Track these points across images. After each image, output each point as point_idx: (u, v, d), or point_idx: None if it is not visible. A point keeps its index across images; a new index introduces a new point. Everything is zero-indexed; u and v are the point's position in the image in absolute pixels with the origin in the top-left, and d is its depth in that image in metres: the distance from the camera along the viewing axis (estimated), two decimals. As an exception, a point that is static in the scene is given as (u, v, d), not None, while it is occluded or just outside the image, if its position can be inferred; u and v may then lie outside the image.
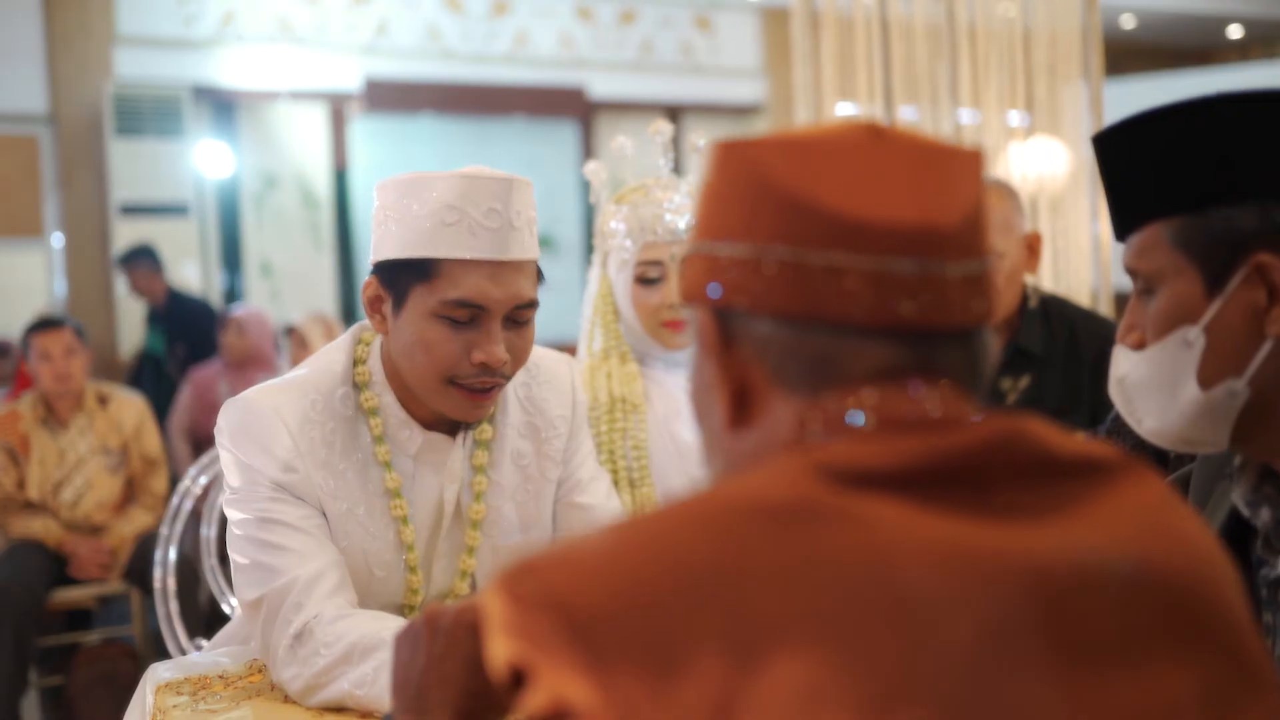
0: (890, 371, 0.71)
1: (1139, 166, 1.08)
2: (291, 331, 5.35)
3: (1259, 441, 1.08)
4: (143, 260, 6.01)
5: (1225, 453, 1.15)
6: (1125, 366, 1.13)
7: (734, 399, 0.76)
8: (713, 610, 0.61)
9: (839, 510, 0.65)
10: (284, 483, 1.48)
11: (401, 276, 1.47)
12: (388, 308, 1.50)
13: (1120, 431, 1.90)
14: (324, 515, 1.51)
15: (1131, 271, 1.11)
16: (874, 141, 0.72)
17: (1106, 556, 0.67)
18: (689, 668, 0.60)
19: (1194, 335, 1.06)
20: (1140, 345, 1.11)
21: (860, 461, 0.67)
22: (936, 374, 0.72)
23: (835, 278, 0.71)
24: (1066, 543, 0.67)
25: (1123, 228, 1.11)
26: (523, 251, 1.48)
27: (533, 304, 1.50)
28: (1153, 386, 1.10)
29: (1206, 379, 1.06)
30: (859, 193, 0.71)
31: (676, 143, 2.02)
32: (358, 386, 1.56)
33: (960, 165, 0.74)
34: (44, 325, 4.07)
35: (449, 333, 1.45)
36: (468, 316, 1.45)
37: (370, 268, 1.53)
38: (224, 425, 1.51)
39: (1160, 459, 1.84)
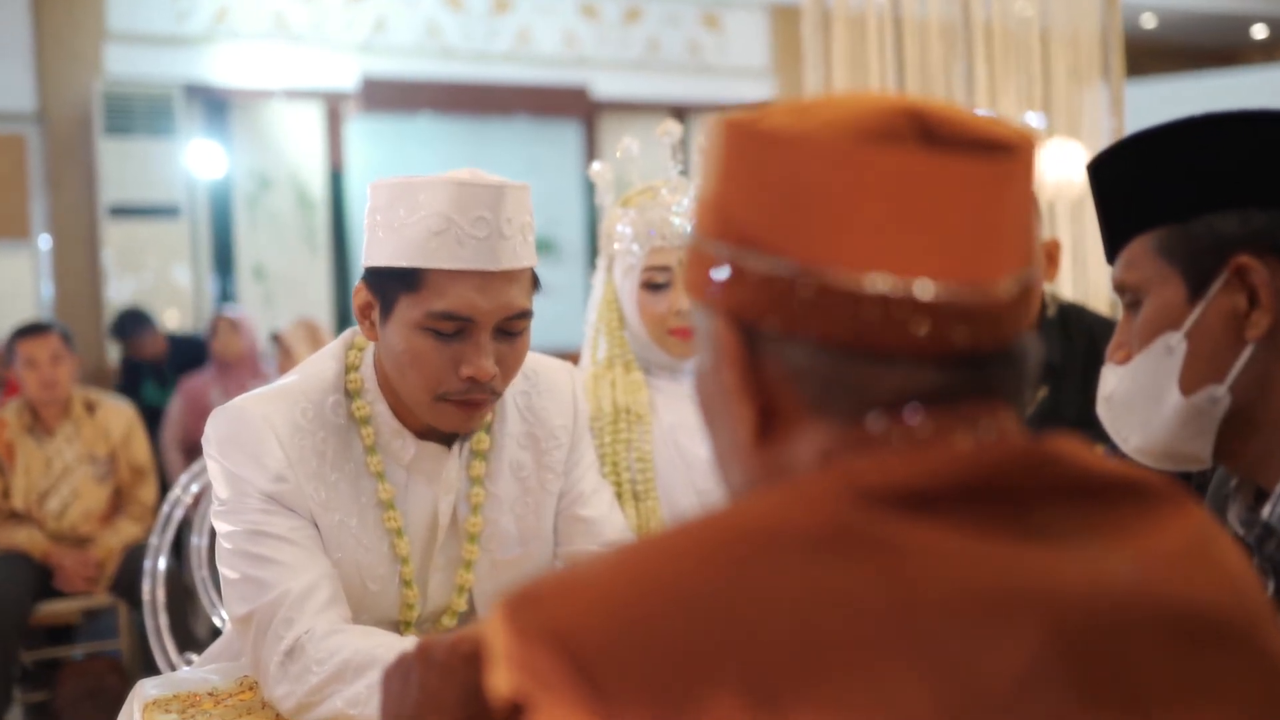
0: (938, 395, 0.68)
1: (1127, 184, 1.15)
2: (276, 339, 5.36)
3: (1242, 454, 1.12)
4: (143, 326, 5.90)
5: (1225, 475, 1.18)
6: (1112, 382, 1.18)
7: (759, 417, 0.71)
8: (729, 649, 0.59)
9: (869, 538, 0.62)
10: (274, 493, 1.47)
11: (389, 285, 1.46)
12: (376, 315, 1.50)
13: None
14: (316, 527, 1.50)
15: (1119, 287, 1.17)
16: (923, 151, 0.67)
17: (1151, 590, 0.65)
18: (703, 710, 0.58)
19: (1176, 341, 1.11)
20: (1127, 361, 1.16)
21: (895, 480, 0.64)
22: (989, 395, 0.69)
23: (883, 307, 0.66)
24: (1110, 574, 0.65)
25: (1112, 246, 1.18)
26: (514, 260, 1.45)
27: (525, 314, 1.48)
28: (1137, 398, 1.14)
29: (1188, 385, 1.10)
30: (907, 250, 0.66)
31: (684, 144, 2.01)
32: (350, 394, 1.55)
33: (1019, 168, 0.69)
34: (30, 330, 4.06)
35: (436, 345, 1.44)
36: (454, 329, 1.44)
37: (362, 272, 1.52)
38: (212, 434, 1.51)
39: (1184, 474, 1.83)
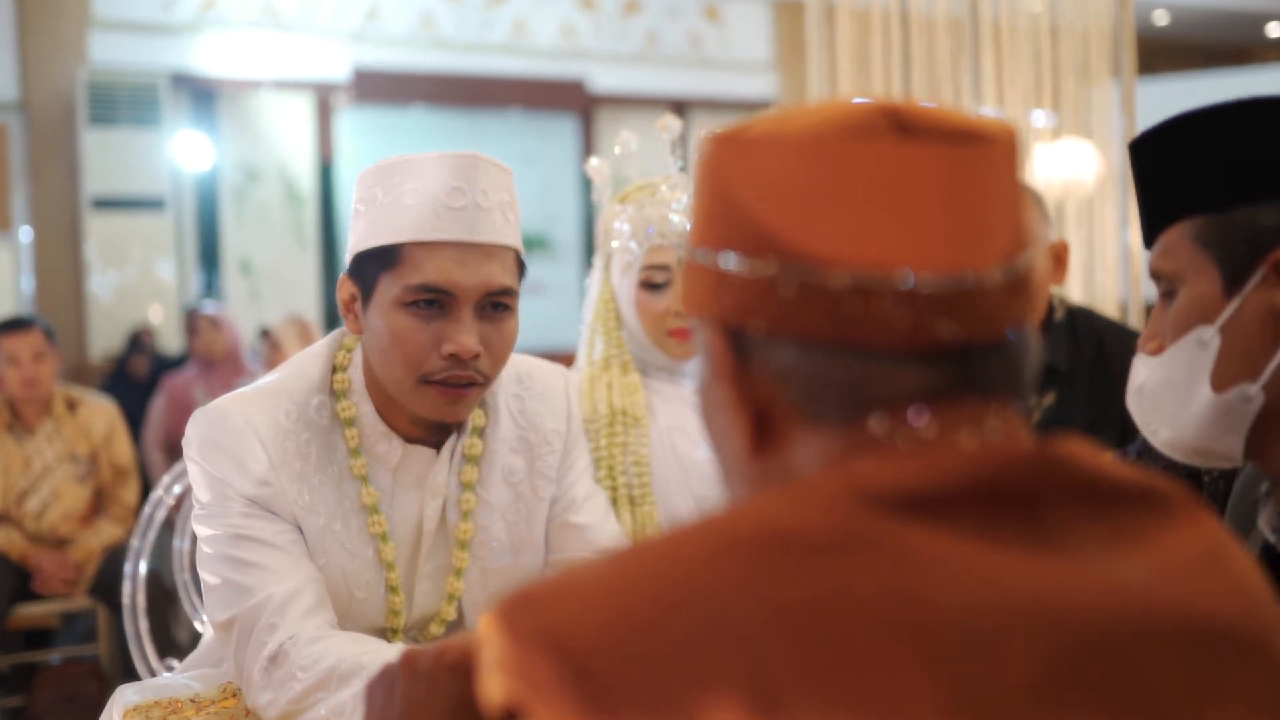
0: (933, 394, 0.68)
1: (1168, 168, 1.14)
2: (266, 334, 5.35)
3: (1274, 456, 1.11)
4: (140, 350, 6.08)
5: (1253, 477, 1.17)
6: (1143, 374, 1.17)
7: (754, 426, 0.72)
8: (730, 653, 0.59)
9: (875, 541, 0.62)
10: (257, 497, 1.47)
11: (369, 268, 1.47)
12: (358, 305, 1.50)
13: (1150, 453, 1.89)
14: (300, 531, 1.50)
15: (1155, 274, 1.16)
16: (896, 141, 0.68)
17: (1164, 600, 0.65)
18: (704, 715, 0.58)
19: (1209, 335, 1.10)
20: (1160, 352, 1.15)
21: (902, 482, 0.65)
22: (991, 393, 0.69)
23: (863, 300, 0.66)
24: (1123, 583, 0.65)
25: (1150, 231, 1.17)
26: (494, 235, 1.45)
27: (508, 291, 1.47)
28: (1167, 392, 1.14)
29: (1220, 382, 1.09)
30: (884, 238, 0.67)
31: (684, 140, 2.02)
32: (335, 395, 1.55)
33: (996, 155, 0.70)
34: (11, 326, 4.04)
35: (417, 323, 1.44)
36: (433, 301, 1.43)
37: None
38: (193, 436, 1.50)
39: (1195, 481, 1.83)
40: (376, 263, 1.45)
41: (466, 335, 1.44)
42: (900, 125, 0.69)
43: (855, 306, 0.67)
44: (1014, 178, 0.72)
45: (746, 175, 0.71)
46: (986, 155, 0.70)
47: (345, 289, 1.51)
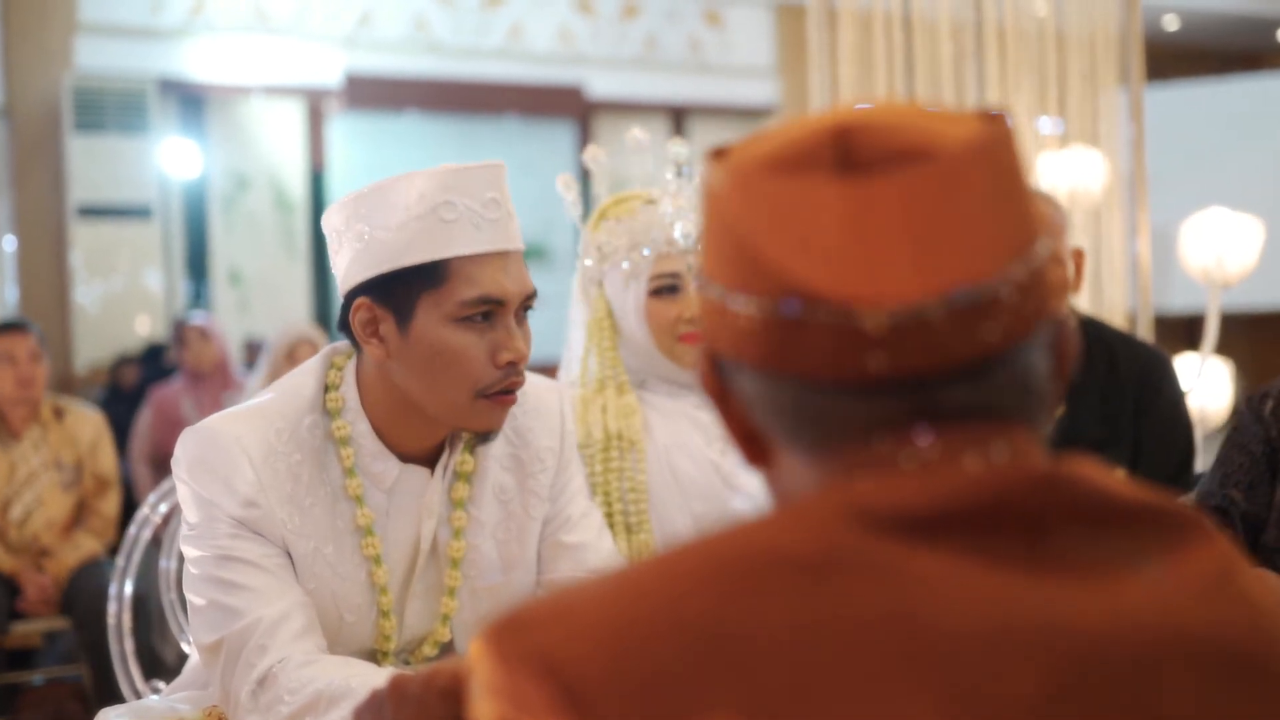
0: (887, 424, 0.68)
1: None
2: (292, 352, 5.31)
3: None
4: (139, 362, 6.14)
5: None
6: None
7: (745, 444, 0.74)
8: (727, 676, 0.59)
9: (873, 562, 0.63)
10: (245, 519, 1.47)
11: (403, 288, 1.46)
12: (388, 328, 1.48)
13: (1211, 497, 1.81)
14: (288, 555, 1.50)
15: None
16: (834, 178, 0.67)
17: (1172, 623, 0.65)
18: None
19: None
20: None
21: (902, 503, 0.65)
22: (989, 413, 0.69)
23: (797, 332, 0.67)
24: (1130, 606, 0.65)
25: None
26: (519, 241, 1.52)
27: (536, 294, 1.53)
28: None
29: None
30: (821, 270, 0.67)
31: (668, 147, 2.02)
32: (329, 414, 1.54)
33: (953, 170, 0.68)
34: (8, 327, 4.09)
35: (473, 337, 1.46)
36: (486, 314, 1.47)
37: (344, 294, 1.50)
38: (181, 456, 1.50)
39: (1218, 511, 1.81)
40: (415, 281, 1.45)
41: (520, 341, 1.49)
42: (845, 156, 0.68)
43: (789, 338, 0.68)
44: (985, 187, 0.69)
45: (707, 204, 0.74)
46: (953, 173, 0.68)
47: (364, 313, 1.49)
